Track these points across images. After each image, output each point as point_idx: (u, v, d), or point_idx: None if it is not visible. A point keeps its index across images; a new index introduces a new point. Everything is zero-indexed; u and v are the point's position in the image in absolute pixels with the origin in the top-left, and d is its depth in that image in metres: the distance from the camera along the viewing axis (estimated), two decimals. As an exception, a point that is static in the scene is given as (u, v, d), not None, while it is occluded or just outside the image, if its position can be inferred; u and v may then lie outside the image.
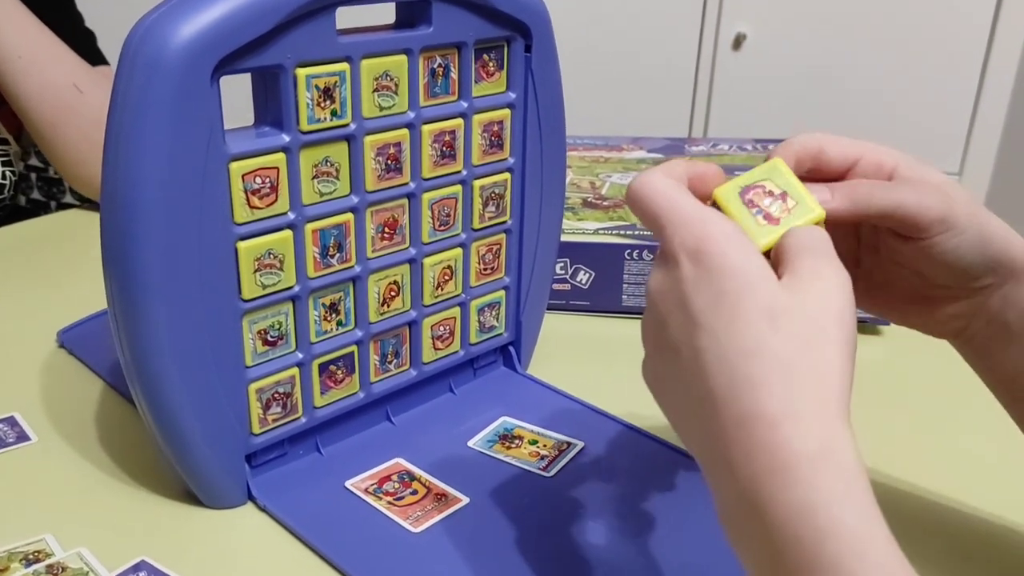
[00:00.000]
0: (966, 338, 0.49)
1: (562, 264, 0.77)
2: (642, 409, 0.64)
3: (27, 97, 0.88)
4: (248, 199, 0.49)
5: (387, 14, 0.56)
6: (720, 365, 0.36)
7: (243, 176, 0.49)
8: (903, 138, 1.78)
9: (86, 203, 1.00)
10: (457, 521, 0.53)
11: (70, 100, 0.88)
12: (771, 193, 0.42)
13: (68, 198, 2.25)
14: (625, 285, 0.77)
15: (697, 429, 0.38)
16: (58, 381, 0.67)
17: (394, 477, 0.56)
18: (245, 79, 0.49)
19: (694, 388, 0.37)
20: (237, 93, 0.58)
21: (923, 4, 1.69)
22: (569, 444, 0.60)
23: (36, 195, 2.27)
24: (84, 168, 0.91)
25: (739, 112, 1.77)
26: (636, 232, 0.78)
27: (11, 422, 0.61)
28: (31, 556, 0.49)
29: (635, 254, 0.76)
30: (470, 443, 0.60)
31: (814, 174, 0.45)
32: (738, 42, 1.73)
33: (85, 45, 0.96)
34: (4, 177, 0.94)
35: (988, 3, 1.68)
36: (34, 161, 2.29)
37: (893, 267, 0.48)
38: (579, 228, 0.79)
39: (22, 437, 0.60)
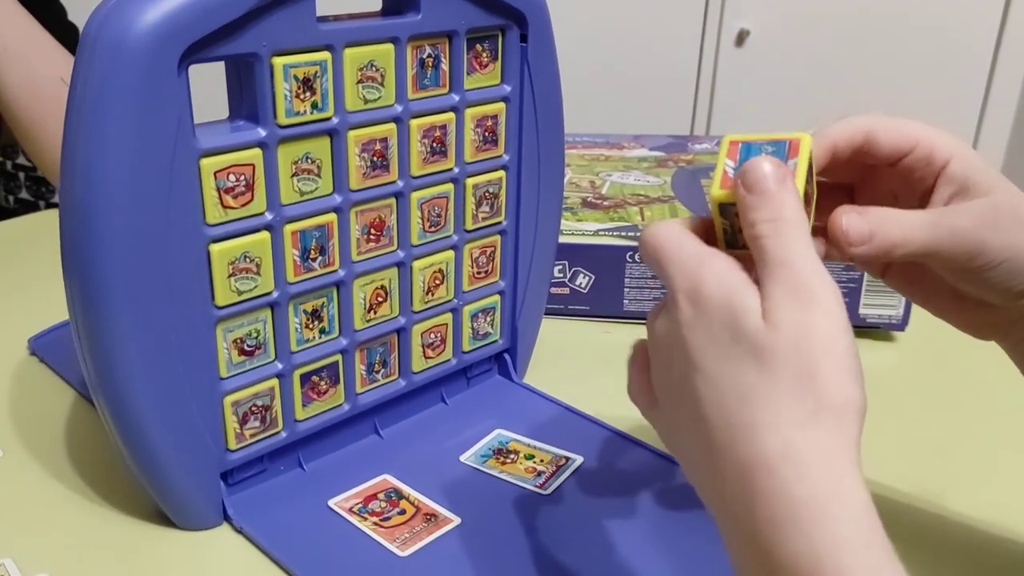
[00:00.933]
0: (1013, 342, 0.45)
1: (560, 267, 0.73)
2: (644, 421, 0.60)
3: (10, 90, 0.85)
4: (221, 198, 0.46)
5: (372, 1, 0.53)
6: (718, 410, 0.34)
7: (215, 173, 0.45)
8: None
9: (41, 200, 0.97)
10: (447, 544, 0.49)
11: (55, 94, 0.84)
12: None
13: (24, 194, 2.21)
14: (627, 289, 0.74)
15: (706, 480, 0.36)
16: (27, 391, 0.63)
17: (381, 495, 0.53)
18: (218, 68, 0.46)
19: (698, 436, 0.35)
20: (210, 83, 0.55)
21: (929, 1, 1.65)
22: (567, 459, 0.56)
23: (24, 195, 2.23)
24: None
25: (742, 109, 1.74)
26: (638, 233, 0.74)
27: (-25, 435, 0.58)
28: (-13, 583, 0.46)
29: (637, 256, 0.73)
30: (462, 458, 0.57)
31: (863, 157, 0.42)
32: (741, 38, 1.70)
33: (68, 39, 0.93)
34: None
35: (996, 4, 1.65)
36: (22, 160, 2.26)
37: (929, 273, 0.44)
38: (578, 229, 0.75)
39: (-14, 452, 0.57)
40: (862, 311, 0.72)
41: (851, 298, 0.72)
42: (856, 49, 1.70)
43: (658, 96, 1.76)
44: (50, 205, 2.21)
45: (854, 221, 0.39)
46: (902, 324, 0.72)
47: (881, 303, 0.72)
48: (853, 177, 0.45)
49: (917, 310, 0.71)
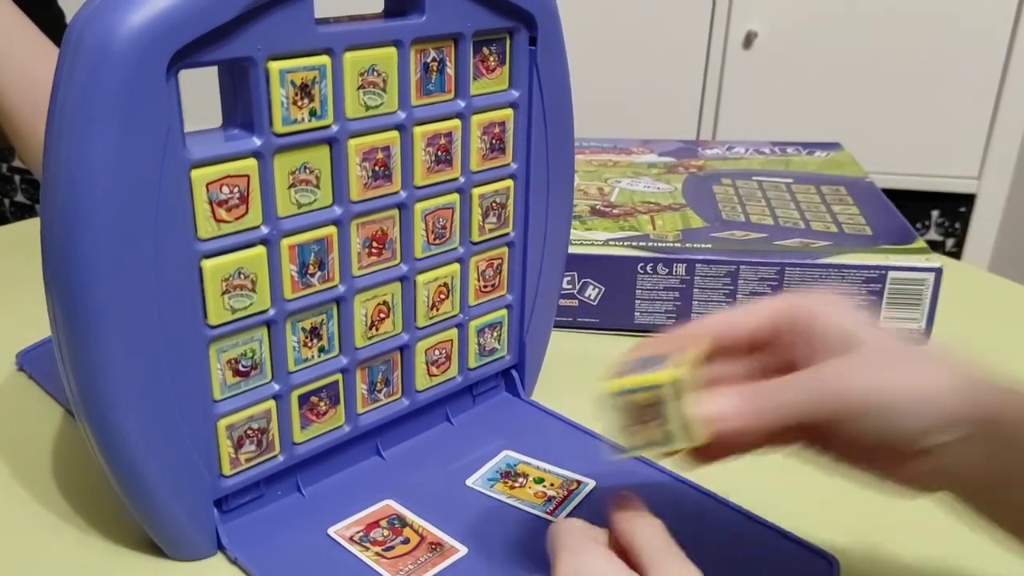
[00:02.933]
0: (965, 489, 0.41)
1: (569, 278, 0.71)
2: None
3: (6, 94, 0.82)
4: (214, 211, 0.43)
5: (374, 3, 0.50)
6: None
7: (207, 185, 0.42)
8: (920, 139, 1.72)
9: (36, 203, 0.94)
10: (454, 576, 0.47)
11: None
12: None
13: (19, 196, 2.19)
14: (638, 301, 0.71)
15: None
16: (14, 409, 0.61)
17: (383, 523, 0.50)
18: (210, 73, 0.43)
19: None
20: (202, 90, 0.52)
21: (941, 1, 1.62)
22: (579, 483, 0.54)
23: (20, 198, 2.21)
24: None
25: (749, 111, 1.71)
26: (649, 243, 0.71)
27: (-43, 458, 0.55)
28: (-35, 620, 0.43)
29: (648, 267, 0.70)
30: (468, 482, 0.54)
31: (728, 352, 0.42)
32: (749, 40, 1.67)
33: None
34: None
35: (1010, 2, 1.62)
36: (18, 163, 2.23)
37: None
38: (587, 239, 0.72)
39: (-32, 475, 0.54)
40: (882, 324, 0.69)
41: (871, 310, 0.69)
42: (864, 51, 1.67)
43: (664, 98, 1.73)
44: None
45: (726, 401, 0.39)
46: (924, 338, 0.70)
47: (902, 316, 0.69)
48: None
49: (941, 323, 0.69)
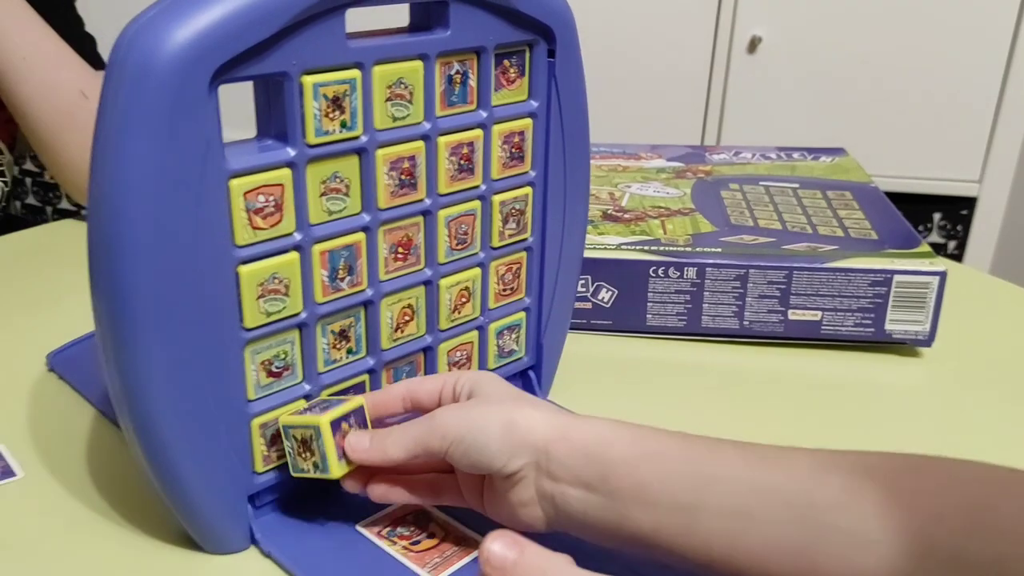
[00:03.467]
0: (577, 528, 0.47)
1: (583, 281, 0.73)
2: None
3: (29, 101, 0.84)
4: (250, 219, 0.45)
5: (397, 17, 0.52)
6: None
7: (245, 194, 0.44)
8: (922, 142, 1.74)
9: (83, 210, 0.96)
10: (475, 569, 0.48)
11: (74, 106, 0.83)
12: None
13: (64, 203, 2.21)
14: (650, 304, 0.73)
15: None
16: (47, 409, 0.63)
17: (409, 518, 0.52)
18: (243, 86, 0.45)
19: None
20: (235, 102, 0.54)
21: (944, 5, 1.64)
22: (596, 479, 0.56)
23: (31, 200, 2.23)
24: (85, 178, 0.87)
25: (754, 116, 1.73)
26: (660, 247, 0.73)
27: (-5, 456, 0.57)
28: (13, 611, 0.45)
29: (660, 271, 0.72)
30: (490, 479, 0.56)
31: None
32: (753, 45, 1.69)
33: (86, 49, 0.92)
34: None
35: (1011, 5, 1.64)
36: (29, 165, 2.26)
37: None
38: (600, 243, 0.74)
39: (7, 472, 0.56)
40: (888, 327, 0.71)
41: (877, 313, 0.71)
42: (866, 56, 1.69)
43: (669, 103, 1.75)
44: (57, 211, 2.22)
45: (358, 439, 0.48)
46: (928, 340, 0.72)
47: (907, 318, 0.71)
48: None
49: (943, 326, 0.71)
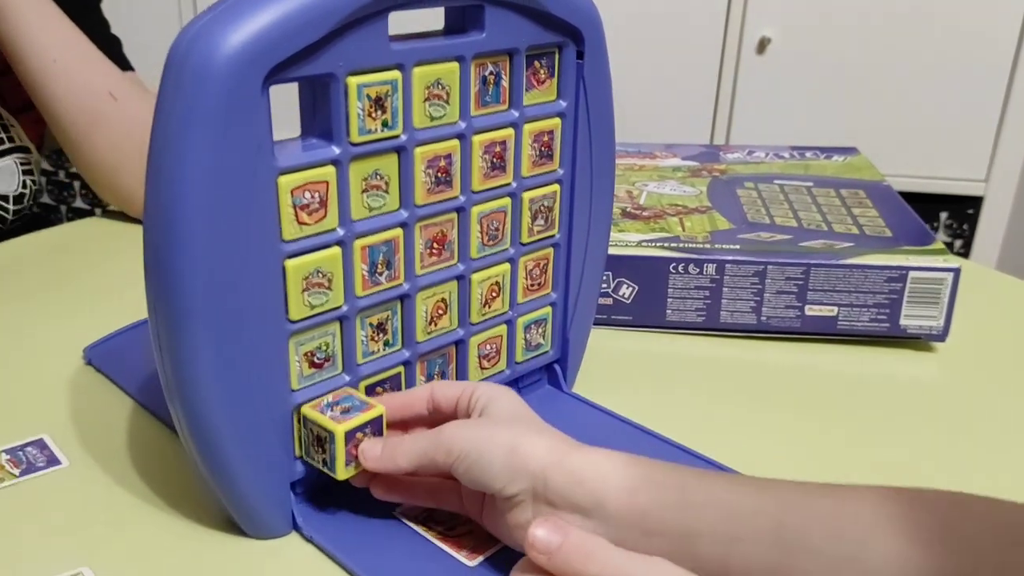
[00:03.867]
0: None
1: (604, 278, 0.74)
2: (691, 429, 0.61)
3: (59, 101, 0.85)
4: (297, 215, 0.47)
5: (430, 20, 0.54)
6: None
7: (292, 191, 0.46)
8: (929, 144, 1.75)
9: (97, 207, 0.98)
10: (513, 553, 0.50)
11: (103, 107, 0.85)
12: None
13: (78, 202, 2.24)
14: (669, 299, 0.75)
15: None
16: (86, 401, 0.64)
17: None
18: (284, 88, 0.47)
19: None
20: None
21: (950, 8, 1.66)
22: (623, 468, 0.57)
23: (46, 199, 2.26)
24: (114, 178, 0.88)
25: (763, 116, 1.75)
26: (680, 244, 0.75)
27: (40, 445, 0.59)
28: (68, 591, 0.47)
29: (680, 267, 0.74)
30: (520, 467, 0.57)
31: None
32: (762, 46, 1.71)
33: (111, 52, 0.94)
34: (25, 186, 0.91)
35: (1017, 7, 1.66)
36: (45, 165, 2.28)
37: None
38: (621, 240, 0.76)
39: (52, 461, 0.58)
40: (903, 321, 0.73)
41: (892, 308, 0.73)
42: (873, 57, 1.70)
43: (679, 103, 1.77)
44: (72, 209, 2.24)
45: (370, 447, 0.50)
46: (942, 335, 0.73)
47: (922, 314, 0.73)
48: None
49: (958, 320, 0.73)
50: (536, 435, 0.47)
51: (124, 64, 0.94)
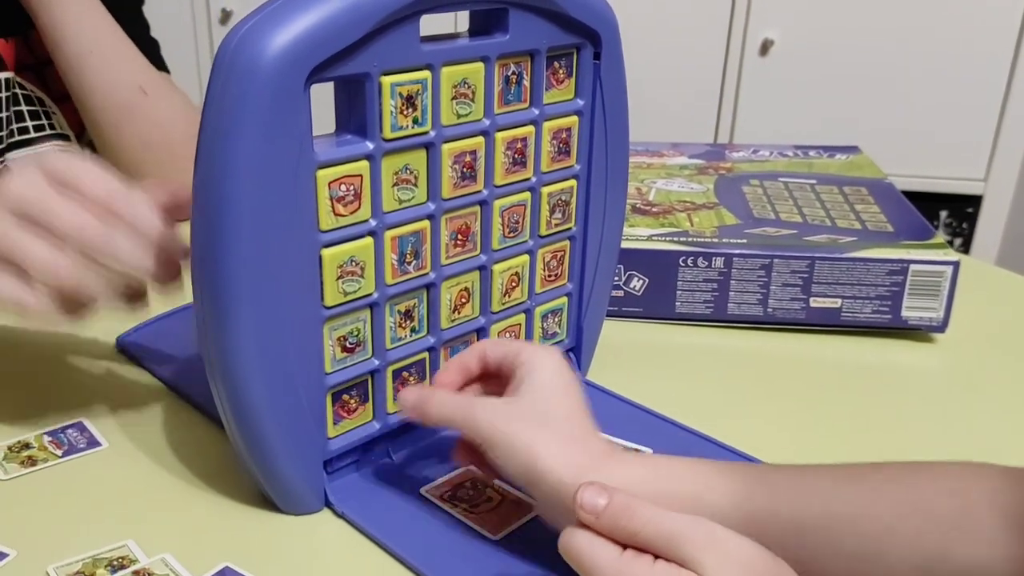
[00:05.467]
0: None
1: (616, 271, 0.77)
2: (700, 415, 0.64)
3: (93, 94, 0.87)
4: (333, 206, 0.49)
5: (451, 23, 0.56)
6: None
7: (329, 184, 0.49)
8: (929, 144, 1.78)
9: None
10: (535, 528, 0.53)
11: (135, 101, 0.87)
12: None
13: None
14: (679, 292, 0.78)
15: None
16: (121, 387, 0.67)
17: (467, 484, 0.56)
18: (318, 87, 0.49)
19: None
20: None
21: (951, 10, 1.69)
22: (637, 450, 0.60)
23: None
24: (142, 172, 0.91)
25: (766, 117, 1.78)
26: (689, 239, 0.78)
27: (80, 427, 0.62)
28: (115, 562, 0.50)
29: (689, 261, 0.77)
30: (539, 449, 0.60)
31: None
32: (765, 48, 1.74)
33: (150, 53, 0.96)
34: None
35: (1016, 10, 1.69)
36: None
37: None
38: (632, 234, 0.79)
39: (92, 443, 0.60)
40: (904, 313, 0.76)
41: (894, 301, 0.75)
42: (874, 59, 1.73)
43: (682, 104, 1.80)
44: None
45: (408, 393, 0.53)
46: (942, 326, 0.76)
47: (922, 306, 0.75)
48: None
49: (957, 312, 0.75)
50: (557, 445, 0.48)
51: (161, 65, 0.97)
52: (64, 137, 0.92)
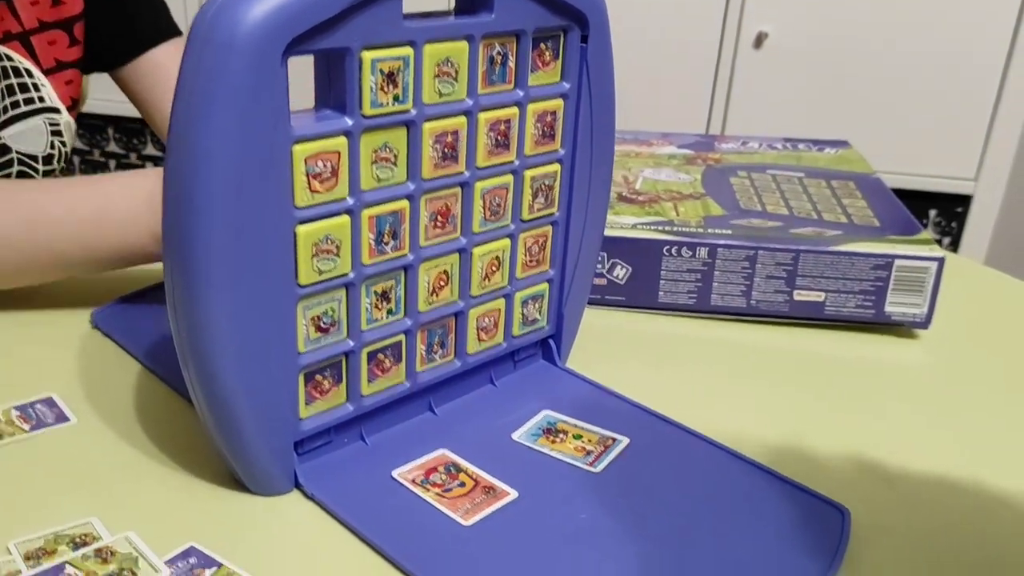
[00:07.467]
0: None
1: (599, 258, 0.76)
2: (680, 406, 0.63)
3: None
4: (309, 183, 0.49)
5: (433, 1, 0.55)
6: None
7: (306, 159, 0.48)
8: (920, 140, 1.78)
9: None
10: (507, 515, 0.52)
11: None
12: None
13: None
14: (662, 281, 0.77)
15: None
16: (94, 363, 0.66)
17: (440, 468, 0.56)
18: (296, 60, 0.48)
19: None
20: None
21: (946, 8, 1.68)
22: (614, 439, 0.60)
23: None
24: None
25: (758, 109, 1.77)
26: (673, 228, 0.77)
27: (49, 403, 0.61)
28: (78, 539, 0.49)
29: (673, 250, 0.76)
30: (514, 436, 0.60)
31: None
32: (759, 41, 1.73)
33: (161, 16, 0.96)
34: (54, 147, 0.92)
35: (1011, 9, 1.68)
36: (78, 144, 2.33)
37: None
38: (616, 223, 0.78)
39: (61, 418, 0.59)
40: (888, 308, 0.75)
41: (878, 296, 0.75)
42: (868, 55, 1.73)
43: (675, 96, 1.79)
44: (141, 156, 2.30)
45: None
46: (925, 322, 0.76)
47: (906, 301, 0.75)
48: None
49: (941, 309, 0.75)
50: None
51: (173, 28, 0.96)
52: (54, 110, 0.91)
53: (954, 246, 1.87)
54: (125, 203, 0.68)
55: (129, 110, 0.99)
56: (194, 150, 0.44)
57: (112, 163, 2.38)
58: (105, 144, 2.34)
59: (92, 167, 2.40)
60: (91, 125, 2.33)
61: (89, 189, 0.70)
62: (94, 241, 0.68)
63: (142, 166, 2.39)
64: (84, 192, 0.70)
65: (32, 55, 0.89)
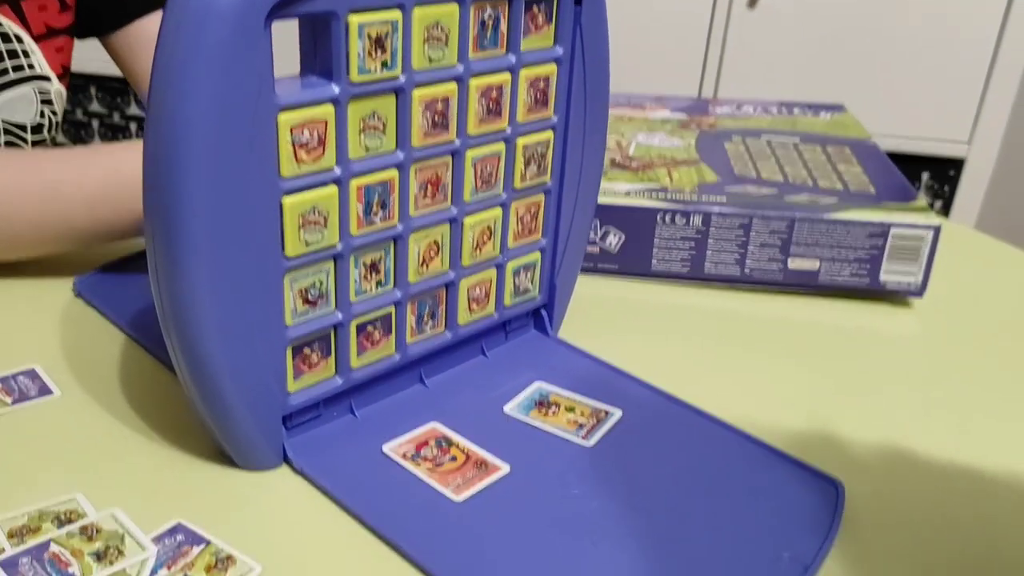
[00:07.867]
0: None
1: (592, 226, 0.75)
2: (673, 377, 0.62)
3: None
4: (295, 152, 0.47)
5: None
6: None
7: (292, 128, 0.46)
8: (915, 102, 1.76)
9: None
10: (499, 490, 0.52)
11: None
12: None
13: (97, 142, 2.26)
14: (656, 249, 0.76)
15: None
16: (77, 332, 0.65)
17: (431, 442, 0.55)
18: (280, 26, 0.47)
19: None
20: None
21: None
22: (607, 412, 0.59)
23: (62, 139, 2.28)
24: None
25: (751, 71, 1.75)
26: (668, 195, 0.76)
27: (32, 375, 0.59)
28: (63, 516, 0.48)
29: (667, 217, 0.75)
30: (506, 408, 0.59)
31: None
32: (753, 1, 1.70)
33: None
34: (43, 116, 0.90)
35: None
36: (96, 107, 2.31)
37: None
38: (609, 189, 0.77)
39: (44, 391, 0.58)
40: (883, 277, 0.74)
41: (872, 264, 0.74)
42: (863, 16, 1.71)
43: (668, 56, 1.77)
44: (124, 116, 2.27)
45: None
46: (920, 291, 0.75)
47: (901, 269, 0.74)
48: None
49: (935, 277, 0.74)
50: None
51: None
52: (44, 78, 0.89)
53: (946, 210, 1.86)
54: (139, 171, 0.68)
55: (112, 69, 0.97)
56: (173, 118, 0.43)
57: (95, 123, 2.35)
58: (88, 103, 2.31)
59: (75, 127, 2.37)
60: (74, 85, 2.29)
61: (102, 157, 0.69)
62: (107, 213, 0.67)
63: (126, 126, 2.36)
64: (97, 160, 0.69)
65: (23, 20, 0.87)
